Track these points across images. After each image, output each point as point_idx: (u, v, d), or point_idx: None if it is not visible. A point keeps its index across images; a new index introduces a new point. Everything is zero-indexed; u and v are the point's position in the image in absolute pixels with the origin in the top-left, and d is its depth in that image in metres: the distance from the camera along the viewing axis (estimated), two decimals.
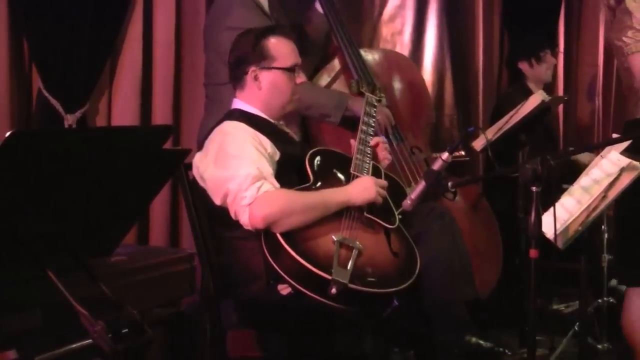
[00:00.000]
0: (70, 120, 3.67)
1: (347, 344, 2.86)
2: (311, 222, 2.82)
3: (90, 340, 2.00)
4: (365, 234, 2.89)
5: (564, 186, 3.19)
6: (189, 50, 4.19)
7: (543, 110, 4.21)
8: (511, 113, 4.16)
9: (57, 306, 2.09)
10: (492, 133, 4.16)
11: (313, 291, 2.67)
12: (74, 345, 2.15)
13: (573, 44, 6.20)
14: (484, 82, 5.57)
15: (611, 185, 2.98)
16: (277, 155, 3.01)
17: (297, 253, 2.68)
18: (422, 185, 2.96)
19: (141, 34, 3.98)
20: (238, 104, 3.12)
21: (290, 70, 3.09)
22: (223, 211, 2.89)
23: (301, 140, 3.50)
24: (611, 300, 4.20)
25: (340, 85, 4.17)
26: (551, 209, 2.82)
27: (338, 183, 3.05)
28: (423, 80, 4.74)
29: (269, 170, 2.89)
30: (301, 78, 3.14)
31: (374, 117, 3.36)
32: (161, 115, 4.05)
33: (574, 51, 6.22)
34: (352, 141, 3.25)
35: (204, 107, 3.92)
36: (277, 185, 2.87)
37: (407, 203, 2.97)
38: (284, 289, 2.81)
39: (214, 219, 3.02)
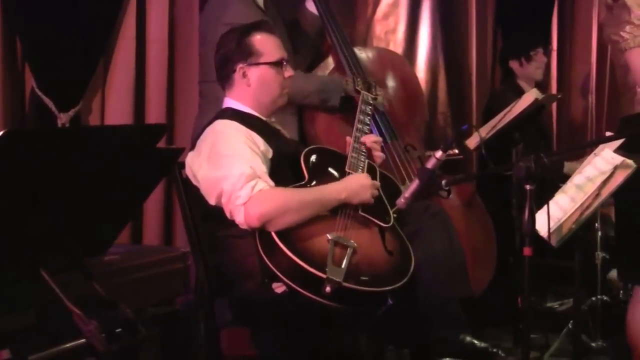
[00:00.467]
0: (63, 119, 3.66)
1: (342, 342, 2.86)
2: (307, 219, 2.82)
3: (84, 340, 1.99)
4: (360, 232, 2.89)
5: (559, 185, 3.19)
6: (182, 48, 4.19)
7: (537, 108, 4.21)
8: (505, 111, 4.16)
9: (51, 306, 2.08)
10: (485, 131, 4.17)
11: (307, 290, 2.67)
12: (67, 345, 2.14)
13: (566, 42, 6.21)
14: (477, 80, 5.57)
15: (605, 183, 2.98)
16: (270, 153, 3.01)
17: (291, 251, 2.69)
18: (416, 183, 2.96)
19: (134, 33, 3.97)
20: (229, 102, 3.12)
21: (278, 64, 3.09)
22: (217, 209, 2.89)
23: (293, 138, 3.49)
24: (605, 298, 4.20)
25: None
26: (545, 207, 2.83)
27: (333, 181, 3.04)
28: (417, 78, 4.74)
29: (262, 169, 2.89)
30: (289, 72, 3.14)
31: (369, 115, 3.36)
32: (155, 113, 4.04)
33: (568, 49, 6.23)
34: (348, 139, 3.25)
35: (198, 105, 3.91)
36: (272, 183, 2.87)
37: (401, 201, 2.97)
38: (279, 288, 2.81)
39: (208, 217, 3.02)
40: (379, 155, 3.27)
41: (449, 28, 5.52)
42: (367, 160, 3.17)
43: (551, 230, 2.87)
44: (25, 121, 3.70)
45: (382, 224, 2.98)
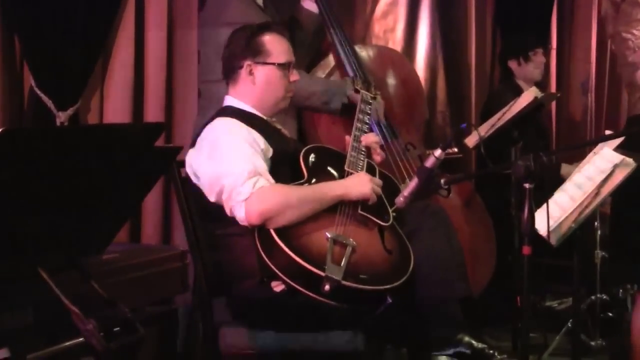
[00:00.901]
0: (62, 117, 3.65)
1: (341, 341, 2.86)
2: (307, 216, 2.82)
3: (82, 339, 1.99)
4: (359, 231, 2.89)
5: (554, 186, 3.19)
6: (181, 47, 4.17)
7: (536, 107, 4.21)
8: (504, 110, 4.16)
9: (49, 304, 2.08)
10: (484, 130, 4.16)
11: (306, 288, 2.67)
12: (65, 344, 2.14)
13: (566, 41, 6.21)
14: (476, 79, 5.58)
15: (604, 182, 2.98)
16: (270, 152, 3.00)
17: (290, 250, 2.68)
18: (415, 182, 2.95)
19: (133, 31, 3.96)
20: (230, 100, 3.12)
21: (285, 66, 3.09)
22: (216, 208, 2.89)
23: (293, 138, 3.48)
24: (604, 297, 4.20)
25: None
26: (544, 205, 2.82)
27: (332, 180, 3.04)
28: (417, 77, 4.75)
29: (263, 166, 2.89)
30: (295, 76, 3.14)
31: (369, 114, 3.36)
32: (153, 112, 4.03)
33: (567, 48, 6.23)
34: (347, 138, 3.25)
35: (199, 105, 3.91)
36: (272, 181, 2.87)
37: (400, 200, 2.97)
38: (278, 286, 2.81)
39: (206, 216, 3.01)
40: (378, 155, 3.27)
41: (448, 27, 5.52)
42: (366, 160, 3.17)
43: (550, 229, 2.87)
44: (23, 120, 3.69)
45: (381, 222, 2.98)
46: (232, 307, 2.99)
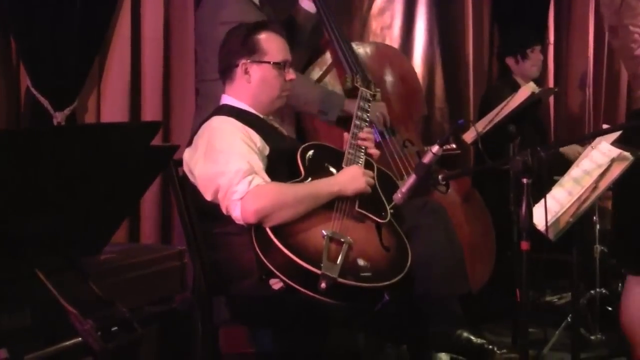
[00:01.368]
0: (59, 118, 3.66)
1: (339, 339, 2.85)
2: (303, 214, 2.81)
3: (80, 339, 1.99)
4: (356, 228, 2.89)
5: (555, 178, 3.19)
6: (177, 46, 4.18)
7: (533, 102, 4.21)
8: (501, 105, 4.16)
9: (47, 305, 2.08)
10: (482, 126, 4.16)
11: (303, 286, 2.66)
12: (63, 344, 2.14)
13: (563, 36, 6.20)
14: (474, 75, 5.57)
15: (602, 176, 2.98)
16: (267, 150, 3.00)
17: (287, 248, 2.68)
18: (412, 178, 2.95)
19: (129, 31, 3.97)
20: (226, 99, 3.12)
21: (281, 65, 3.08)
22: (214, 207, 2.89)
23: (290, 136, 3.48)
24: (604, 291, 4.20)
25: (332, 79, 4.15)
26: (542, 200, 2.82)
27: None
28: (415, 73, 4.74)
29: (259, 165, 2.89)
30: (291, 75, 3.13)
31: (368, 111, 3.36)
32: (150, 111, 4.04)
33: (564, 43, 6.22)
34: (345, 134, 3.24)
35: (196, 104, 3.90)
36: (268, 179, 2.87)
37: (397, 197, 2.97)
38: (276, 284, 2.80)
39: (204, 214, 3.01)
40: (371, 150, 3.27)
41: (445, 23, 5.52)
42: (365, 157, 3.17)
43: (549, 224, 2.87)
44: (20, 120, 3.69)
45: (378, 219, 2.97)
46: (231, 306, 2.99)
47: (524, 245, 2.65)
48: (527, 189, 2.65)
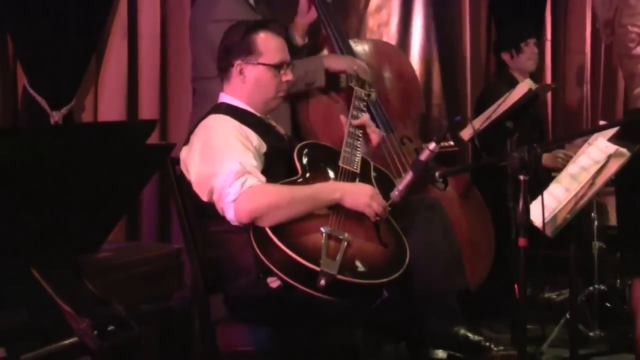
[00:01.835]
0: (56, 117, 3.66)
1: (338, 336, 2.85)
2: (300, 215, 2.81)
3: (77, 338, 1.99)
4: (355, 225, 2.88)
5: (553, 174, 3.19)
6: (174, 44, 4.18)
7: (530, 98, 4.21)
8: (499, 102, 4.15)
9: (43, 304, 2.07)
10: (479, 122, 4.16)
11: (302, 283, 2.66)
12: (60, 344, 2.13)
13: (560, 32, 6.19)
14: (471, 72, 5.57)
15: (599, 172, 2.98)
16: (264, 148, 3.00)
17: (285, 245, 2.68)
18: (410, 175, 2.95)
19: (126, 29, 3.97)
20: (224, 97, 3.11)
21: (276, 67, 3.07)
22: (210, 205, 2.89)
23: (287, 134, 3.47)
24: (602, 287, 4.20)
25: (328, 76, 4.14)
26: (539, 197, 2.82)
27: (326, 176, 3.04)
28: (413, 70, 4.73)
29: (253, 164, 2.87)
30: (287, 76, 3.11)
31: (363, 111, 3.36)
32: (148, 110, 4.04)
33: (562, 39, 6.21)
34: (342, 118, 3.24)
35: (193, 102, 3.90)
36: (263, 178, 2.85)
37: (395, 194, 2.97)
38: (274, 282, 2.80)
39: (201, 213, 3.01)
40: (374, 132, 3.27)
41: (442, 20, 5.51)
42: (361, 155, 3.17)
43: (546, 221, 2.87)
44: (17, 120, 3.69)
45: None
46: (229, 304, 2.99)
47: (522, 241, 2.65)
48: (523, 185, 2.65)
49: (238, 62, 3.04)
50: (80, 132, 2.15)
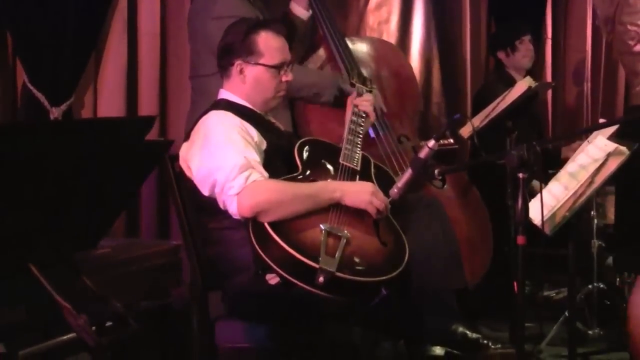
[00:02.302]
0: (55, 113, 3.66)
1: (336, 333, 2.85)
2: (300, 213, 2.80)
3: (74, 334, 1.99)
4: (354, 223, 2.88)
5: (550, 172, 3.19)
6: (174, 41, 4.17)
7: (530, 96, 4.21)
8: (498, 100, 4.15)
9: (41, 300, 2.07)
10: (478, 120, 4.16)
11: (301, 280, 2.66)
12: (58, 340, 2.14)
13: (560, 30, 6.19)
14: (471, 70, 5.56)
15: (598, 170, 2.98)
16: (264, 145, 3.00)
17: (284, 242, 2.67)
18: (408, 173, 2.95)
19: (126, 25, 3.97)
20: (224, 94, 3.11)
21: (276, 67, 3.07)
22: (210, 202, 2.89)
23: (287, 130, 3.48)
24: (601, 285, 4.20)
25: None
26: (538, 195, 2.82)
27: (327, 173, 3.04)
28: (411, 68, 4.73)
29: (256, 159, 2.88)
30: (287, 76, 3.11)
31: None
32: (147, 106, 4.04)
33: (562, 37, 6.20)
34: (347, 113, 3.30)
35: (191, 100, 3.90)
36: (266, 174, 2.86)
37: (393, 192, 2.97)
38: (272, 279, 2.80)
39: (200, 210, 3.01)
40: (368, 110, 3.31)
41: (442, 18, 5.51)
42: (361, 152, 3.17)
43: (545, 219, 2.87)
44: (17, 116, 3.69)
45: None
46: (227, 301, 2.99)
47: (520, 239, 2.65)
48: (522, 183, 2.65)
49: (238, 61, 3.04)
50: (79, 128, 2.15)
